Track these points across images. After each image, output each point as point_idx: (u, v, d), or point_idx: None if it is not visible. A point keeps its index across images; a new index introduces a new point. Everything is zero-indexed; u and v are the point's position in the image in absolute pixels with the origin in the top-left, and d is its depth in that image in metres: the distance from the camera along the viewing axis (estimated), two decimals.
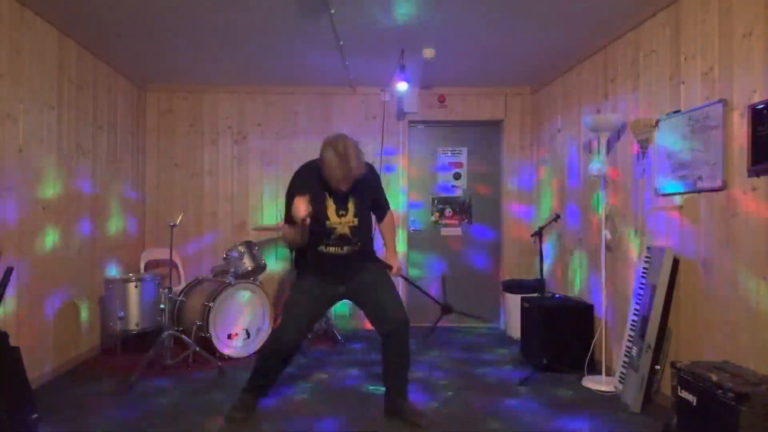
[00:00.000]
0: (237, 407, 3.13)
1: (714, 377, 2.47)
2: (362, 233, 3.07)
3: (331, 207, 2.96)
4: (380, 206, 3.23)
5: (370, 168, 3.09)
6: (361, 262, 3.12)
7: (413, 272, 5.84)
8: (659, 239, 3.49)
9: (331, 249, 3.00)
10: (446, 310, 3.47)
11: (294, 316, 3.05)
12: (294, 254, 3.26)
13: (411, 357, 3.20)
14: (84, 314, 4.36)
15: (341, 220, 2.97)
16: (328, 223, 2.95)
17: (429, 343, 5.01)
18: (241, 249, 4.73)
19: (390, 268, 3.21)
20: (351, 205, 3.00)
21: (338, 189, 2.88)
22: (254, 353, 4.45)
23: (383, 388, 3.23)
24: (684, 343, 3.24)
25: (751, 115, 2.67)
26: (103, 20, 3.85)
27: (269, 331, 4.62)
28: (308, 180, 2.95)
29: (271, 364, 3.15)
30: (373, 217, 3.23)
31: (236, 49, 4.46)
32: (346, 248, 3.02)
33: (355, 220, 3.01)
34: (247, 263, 4.70)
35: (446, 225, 5.90)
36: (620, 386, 3.50)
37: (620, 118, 3.82)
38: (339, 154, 2.75)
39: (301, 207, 2.72)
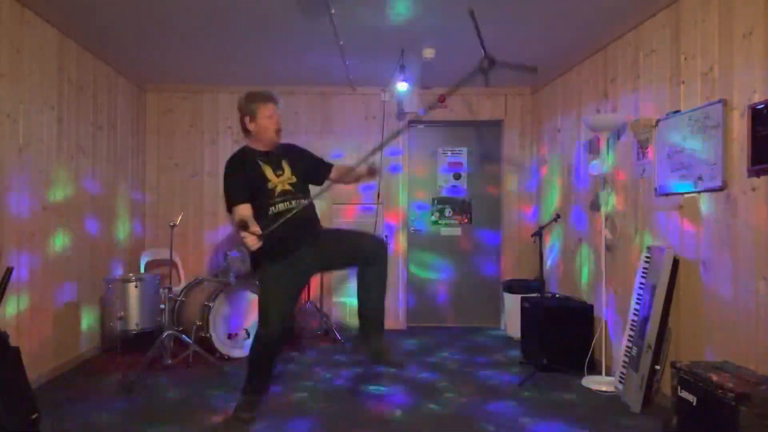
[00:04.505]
0: (241, 408, 3.12)
1: (714, 377, 2.47)
2: (305, 188, 3.14)
3: (267, 170, 3.05)
4: (322, 165, 3.32)
5: (294, 145, 3.33)
6: (315, 225, 3.14)
7: (413, 271, 5.85)
8: (659, 239, 3.49)
9: (281, 206, 3.02)
10: (491, 62, 2.88)
11: (271, 307, 3.02)
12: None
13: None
14: (84, 314, 4.36)
15: (280, 179, 3.06)
16: (269, 183, 3.02)
17: (428, 344, 5.02)
18: (242, 249, 4.73)
19: (372, 172, 3.21)
20: (286, 166, 3.10)
21: (273, 122, 3.07)
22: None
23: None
24: (684, 343, 3.24)
25: (751, 115, 2.67)
26: (103, 20, 3.85)
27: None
28: (239, 162, 3.09)
29: (262, 359, 3.14)
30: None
31: (236, 49, 4.46)
32: (294, 202, 3.04)
33: (293, 178, 3.09)
34: (247, 263, 4.69)
35: (446, 225, 5.90)
36: (620, 386, 3.50)
37: (620, 118, 3.82)
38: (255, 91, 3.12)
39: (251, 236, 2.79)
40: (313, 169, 3.28)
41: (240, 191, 2.96)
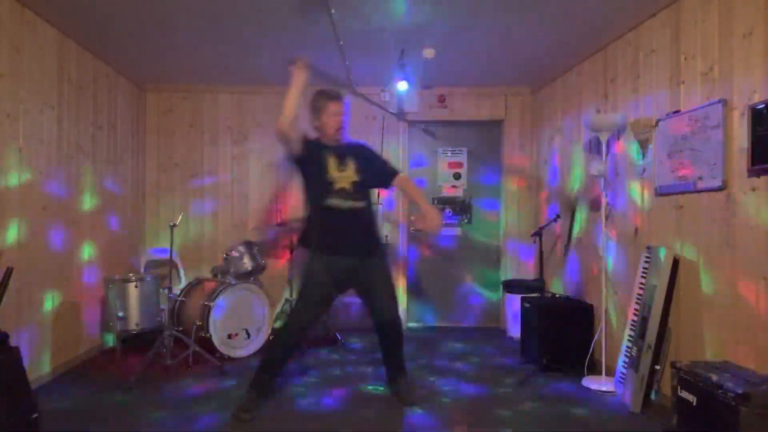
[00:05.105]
0: (244, 407, 3.13)
1: (714, 377, 2.47)
2: (364, 191, 3.22)
3: (331, 162, 3.16)
4: (387, 172, 3.39)
5: (364, 144, 3.46)
6: (369, 238, 3.25)
7: (413, 271, 5.84)
8: (659, 239, 3.49)
9: (334, 201, 3.11)
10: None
11: (305, 304, 3.15)
12: (301, 229, 3.34)
13: (410, 361, 3.32)
14: (84, 314, 4.36)
15: (342, 174, 3.15)
16: (328, 176, 3.12)
17: (427, 344, 5.01)
18: (241, 249, 4.73)
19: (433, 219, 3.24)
20: (351, 163, 3.19)
21: (335, 120, 3.15)
22: (255, 353, 4.46)
23: (382, 388, 3.25)
24: (684, 343, 3.24)
25: (751, 115, 2.67)
26: (103, 20, 3.85)
27: (269, 332, 4.64)
28: (309, 142, 3.19)
29: (279, 354, 3.19)
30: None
31: (236, 48, 4.46)
32: (349, 202, 3.12)
33: (356, 176, 3.17)
34: (247, 263, 4.70)
35: (446, 225, 5.89)
36: (620, 386, 3.50)
37: (620, 118, 3.82)
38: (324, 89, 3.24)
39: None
40: (379, 173, 3.35)
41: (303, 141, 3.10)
